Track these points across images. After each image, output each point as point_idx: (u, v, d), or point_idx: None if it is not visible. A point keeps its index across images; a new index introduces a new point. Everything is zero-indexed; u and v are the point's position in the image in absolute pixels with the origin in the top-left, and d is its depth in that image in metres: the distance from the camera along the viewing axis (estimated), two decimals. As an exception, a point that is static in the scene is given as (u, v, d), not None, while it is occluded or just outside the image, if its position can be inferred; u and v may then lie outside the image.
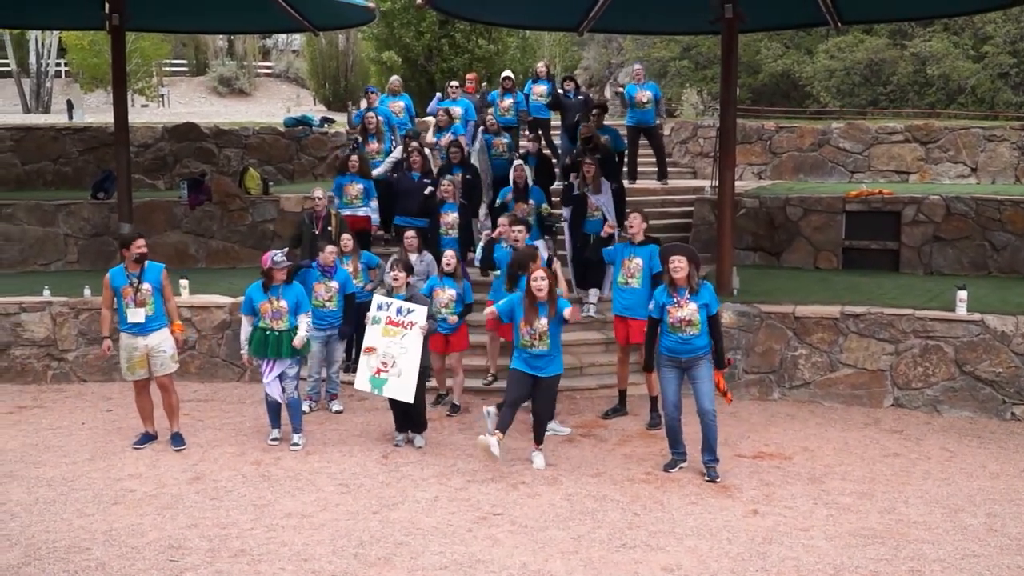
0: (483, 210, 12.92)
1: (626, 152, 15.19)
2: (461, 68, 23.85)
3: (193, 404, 10.56)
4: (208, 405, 10.57)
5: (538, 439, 8.61)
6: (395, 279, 9.20)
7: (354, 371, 10.69)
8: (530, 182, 12.00)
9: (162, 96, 36.62)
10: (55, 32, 32.58)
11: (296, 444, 9.05)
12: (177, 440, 9.10)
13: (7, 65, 36.30)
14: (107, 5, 12.39)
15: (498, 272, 10.30)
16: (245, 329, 9.11)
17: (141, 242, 8.89)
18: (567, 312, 8.26)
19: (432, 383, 10.21)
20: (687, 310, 8.01)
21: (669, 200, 15.51)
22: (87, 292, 11.67)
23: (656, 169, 16.33)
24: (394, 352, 8.87)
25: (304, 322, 9.06)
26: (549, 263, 9.15)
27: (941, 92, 21.15)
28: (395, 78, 15.61)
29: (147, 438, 9.15)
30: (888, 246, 13.62)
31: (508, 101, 15.18)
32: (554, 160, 14.60)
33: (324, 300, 9.97)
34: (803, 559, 6.64)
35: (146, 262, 8.87)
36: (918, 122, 17.48)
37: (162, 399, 9.12)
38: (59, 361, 11.61)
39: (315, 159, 17.94)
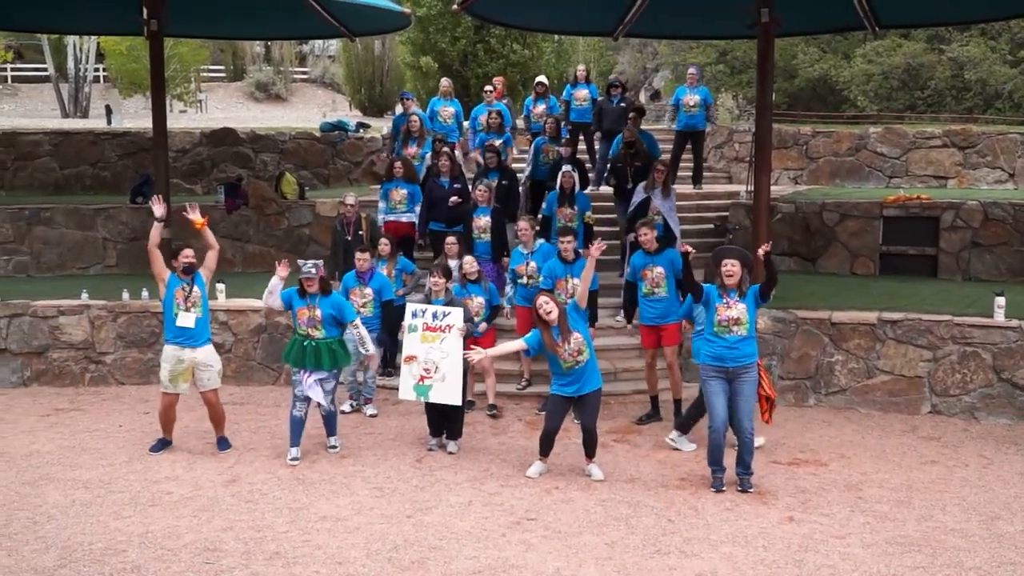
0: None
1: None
2: (496, 73, 23.88)
3: (229, 407, 10.60)
4: (244, 408, 10.65)
5: (590, 454, 8.51)
6: (435, 284, 9.23)
7: (388, 375, 10.79)
8: (577, 188, 11.93)
9: (200, 101, 37.01)
10: (93, 37, 32.97)
11: (334, 447, 9.09)
12: (223, 443, 9.20)
13: (45, 70, 36.83)
14: (146, 11, 12.52)
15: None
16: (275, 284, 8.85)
17: (189, 252, 8.97)
18: (589, 255, 8.25)
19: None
20: (736, 310, 7.95)
21: (704, 205, 15.45)
22: (125, 296, 11.81)
23: (691, 173, 16.25)
24: (435, 357, 8.88)
25: (358, 333, 8.97)
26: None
27: (979, 97, 20.91)
28: (446, 81, 15.37)
29: (163, 444, 9.19)
30: (926, 252, 13.47)
31: (541, 107, 15.13)
32: (588, 166, 14.54)
33: (358, 307, 9.98)
34: (839, 567, 6.59)
35: (195, 272, 8.98)
36: (956, 127, 17.28)
37: (208, 412, 9.20)
38: (97, 364, 11.75)
39: (351, 164, 18.02)
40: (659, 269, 9.64)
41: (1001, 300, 10.19)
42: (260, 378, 11.70)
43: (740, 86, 25.02)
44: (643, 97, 26.85)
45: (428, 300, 9.23)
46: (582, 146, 15.71)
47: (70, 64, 35.12)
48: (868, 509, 7.67)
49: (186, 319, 8.86)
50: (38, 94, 38.48)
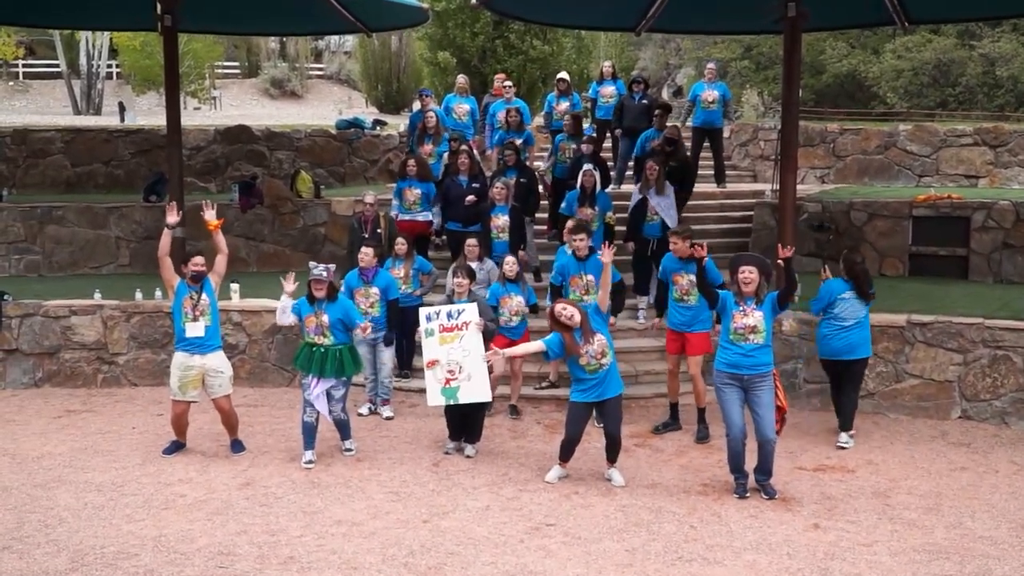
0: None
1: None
2: (516, 69, 23.91)
3: (243, 409, 10.67)
4: (258, 410, 10.71)
5: (612, 459, 8.51)
6: (459, 285, 9.26)
7: (404, 377, 10.82)
8: (599, 187, 11.91)
9: (214, 98, 37.18)
10: (106, 33, 33.17)
11: (349, 449, 9.13)
12: (237, 446, 9.25)
13: (58, 66, 37.09)
14: (159, 6, 12.59)
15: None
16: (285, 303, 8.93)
17: (199, 260, 8.99)
18: (604, 259, 8.27)
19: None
20: (753, 318, 7.94)
21: (728, 204, 15.42)
22: (138, 296, 11.89)
23: (712, 172, 16.23)
24: (457, 357, 8.90)
25: (360, 328, 9.06)
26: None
27: (1011, 94, 20.81)
28: (462, 78, 15.39)
29: (177, 446, 9.24)
30: (956, 252, 13.39)
31: (564, 104, 15.10)
32: (609, 164, 14.53)
33: (365, 308, 10.01)
34: (866, 575, 6.58)
35: (204, 279, 9.01)
36: (987, 125, 17.20)
37: (221, 419, 9.24)
38: (109, 365, 11.83)
39: (367, 162, 18.10)
40: (691, 277, 9.53)
41: (1034, 302, 10.13)
42: (274, 379, 11.76)
43: (765, 82, 24.97)
44: (666, 93, 26.86)
45: (450, 301, 9.26)
46: (608, 143, 15.71)
47: (82, 60, 35.32)
48: (896, 516, 7.64)
49: (195, 329, 8.89)
50: (50, 91, 38.73)
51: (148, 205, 14.98)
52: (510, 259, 10.15)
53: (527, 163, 13.18)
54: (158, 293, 11.91)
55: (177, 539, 7.12)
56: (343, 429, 9.16)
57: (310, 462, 8.83)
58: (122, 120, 27.99)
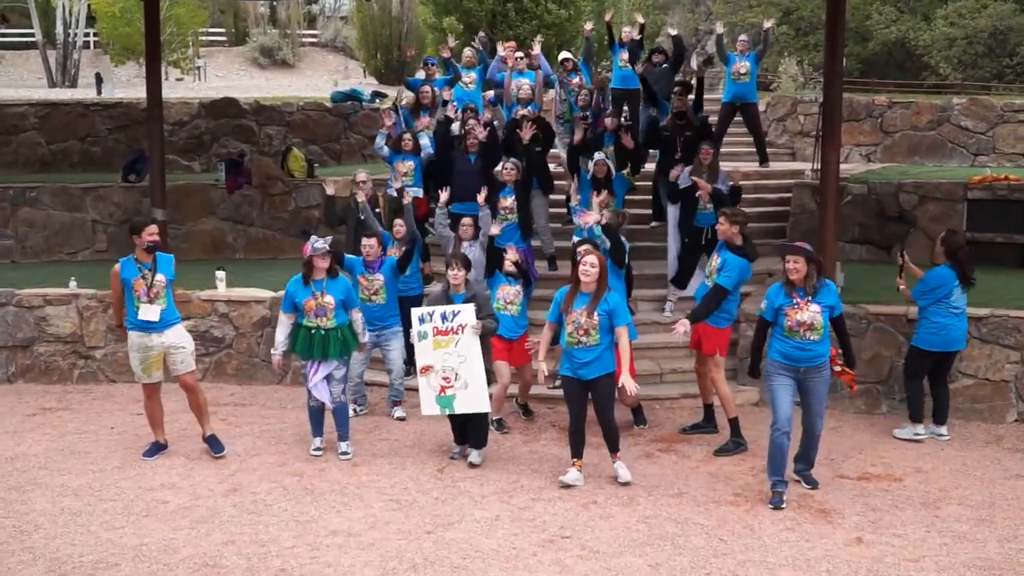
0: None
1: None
2: (528, 36, 23.86)
3: (230, 408, 10.77)
4: (246, 410, 10.76)
5: (613, 448, 8.59)
6: (454, 277, 9.24)
7: (408, 375, 10.85)
8: (613, 172, 11.96)
9: (198, 68, 37.28)
10: (84, -1, 33.35)
11: (345, 453, 9.18)
12: (215, 444, 9.26)
13: (32, 35, 37.23)
14: (140, -32, 12.64)
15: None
16: (282, 329, 9.13)
17: (153, 229, 8.96)
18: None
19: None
20: (808, 313, 7.96)
21: (763, 185, 15.39)
22: (116, 284, 11.94)
23: (751, 150, 16.19)
24: (452, 363, 8.91)
25: (358, 320, 9.17)
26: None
27: (1074, 65, 20.72)
28: (468, 49, 15.50)
29: (157, 448, 9.28)
30: (1015, 239, 13.35)
31: (577, 79, 15.10)
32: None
33: (369, 295, 10.08)
34: (913, 595, 6.58)
35: (156, 252, 8.97)
36: (1050, 98, 17.14)
37: (189, 401, 9.29)
38: (86, 359, 11.90)
39: (365, 138, 18.11)
40: (719, 257, 9.55)
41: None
42: (264, 376, 11.81)
43: (806, 50, 24.90)
44: (695, 62, 26.67)
45: (447, 296, 9.19)
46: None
47: (58, 29, 35.49)
48: (946, 529, 7.63)
49: (149, 312, 8.87)
50: (23, 61, 38.91)
51: (127, 185, 15.05)
52: (511, 255, 10.14)
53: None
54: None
55: (159, 549, 7.17)
56: (341, 420, 9.26)
57: (319, 449, 9.07)
58: (99, 93, 28.11)
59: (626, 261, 10.09)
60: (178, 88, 29.63)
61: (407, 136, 12.58)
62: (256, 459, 9.14)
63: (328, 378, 9.10)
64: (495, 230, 10.40)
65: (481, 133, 12.10)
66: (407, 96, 14.26)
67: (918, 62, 22.93)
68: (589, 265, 8.19)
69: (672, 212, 12.14)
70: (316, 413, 9.22)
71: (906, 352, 10.10)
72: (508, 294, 9.99)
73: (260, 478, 8.64)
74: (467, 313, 8.94)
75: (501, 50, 15.27)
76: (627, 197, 12.82)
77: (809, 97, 18.60)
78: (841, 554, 7.17)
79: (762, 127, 16.78)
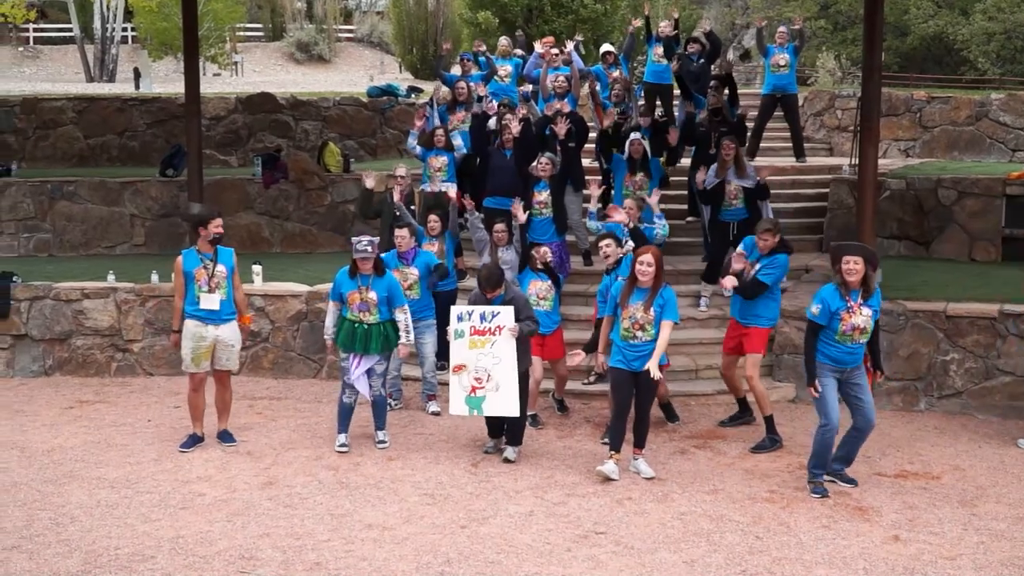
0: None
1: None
2: (565, 30, 23.82)
3: (266, 402, 10.82)
4: (282, 403, 10.80)
5: (640, 443, 8.60)
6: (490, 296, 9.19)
7: (443, 369, 10.85)
8: (649, 153, 11.98)
9: (235, 64, 37.47)
10: (122, -6, 33.59)
11: (383, 442, 9.26)
12: (227, 437, 9.37)
13: (70, 30, 37.56)
14: (178, -36, 12.71)
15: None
16: (330, 317, 9.26)
17: (219, 221, 9.16)
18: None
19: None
20: (861, 317, 7.93)
21: (800, 180, 15.27)
22: (155, 278, 12.03)
23: (789, 145, 16.09)
24: (486, 364, 8.87)
25: (402, 320, 9.18)
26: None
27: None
28: (504, 39, 15.48)
29: (194, 440, 9.34)
30: (1055, 236, 13.20)
31: (616, 72, 15.05)
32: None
33: (404, 289, 10.08)
34: (951, 594, 6.53)
35: (218, 245, 9.16)
36: (1091, 93, 16.90)
37: (217, 394, 9.39)
38: (124, 352, 11.99)
39: (400, 133, 18.09)
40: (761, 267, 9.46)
41: None
42: (300, 370, 11.85)
43: (844, 45, 24.70)
44: (731, 56, 26.57)
45: (485, 298, 9.12)
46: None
47: (96, 24, 35.76)
48: (983, 527, 7.56)
49: (210, 301, 9.04)
50: (62, 56, 39.27)
51: (165, 180, 15.15)
52: (544, 250, 10.15)
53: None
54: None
55: (195, 541, 7.21)
56: (380, 412, 9.31)
57: (344, 446, 9.07)
58: (137, 87, 28.33)
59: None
60: (215, 83, 29.81)
61: (439, 132, 12.61)
62: (291, 453, 9.18)
63: (368, 372, 9.14)
64: (522, 216, 10.45)
65: (516, 128, 12.07)
66: (443, 91, 14.26)
67: (956, 57, 22.71)
68: (646, 264, 8.23)
69: (705, 212, 12.13)
70: (347, 411, 9.22)
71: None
72: (540, 289, 9.96)
73: (296, 472, 8.68)
74: (506, 315, 8.89)
75: (539, 47, 15.25)
76: (665, 193, 12.74)
77: (847, 92, 18.44)
78: (878, 552, 7.11)
79: (800, 120, 16.65)
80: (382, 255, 10.00)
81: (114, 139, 17.59)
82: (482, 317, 8.91)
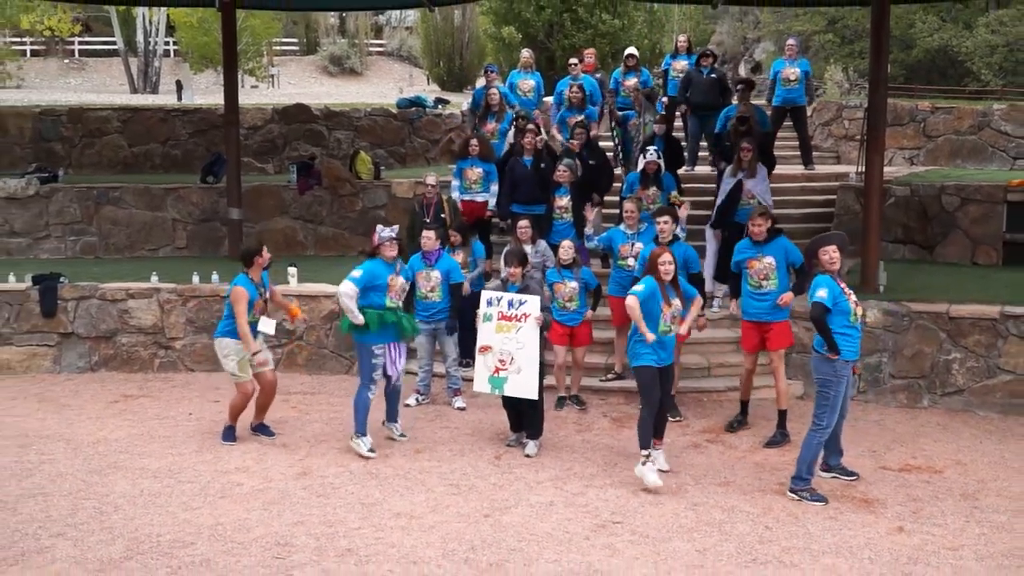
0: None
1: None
2: (584, 44, 23.81)
3: (300, 397, 10.87)
4: (315, 398, 10.86)
5: (661, 433, 8.58)
6: (511, 274, 9.29)
7: (466, 366, 10.90)
8: (663, 169, 11.89)
9: (272, 76, 37.63)
10: (163, 9, 33.72)
11: (404, 435, 9.33)
12: (265, 430, 9.46)
13: (114, 44, 37.80)
14: (217, -18, 12.80)
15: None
16: (353, 302, 8.82)
17: (266, 252, 9.23)
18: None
19: (550, 380, 10.17)
20: (855, 298, 7.96)
21: (809, 187, 15.22)
22: (195, 279, 12.11)
23: (799, 154, 16.03)
24: (510, 348, 8.95)
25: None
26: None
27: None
28: (526, 52, 15.40)
29: (233, 432, 9.39)
30: (1055, 240, 13.10)
31: (632, 80, 15.01)
32: (683, 143, 14.42)
33: (426, 291, 10.10)
34: (953, 583, 6.50)
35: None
36: (1090, 103, 16.76)
37: (265, 394, 9.39)
38: (166, 349, 12.07)
39: (428, 142, 18.18)
40: (768, 259, 9.35)
41: None
42: (332, 367, 11.90)
43: (851, 57, 24.60)
44: (743, 70, 26.55)
45: (504, 287, 9.30)
46: (678, 123, 15.59)
47: (139, 38, 35.96)
48: (984, 519, 7.52)
49: (268, 325, 9.17)
50: (106, 68, 39.54)
51: (205, 186, 15.24)
52: (566, 243, 10.15)
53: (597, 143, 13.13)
54: (215, 277, 12.11)
55: (234, 528, 7.26)
56: (394, 402, 9.34)
57: (373, 450, 8.91)
58: (179, 99, 28.51)
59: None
60: (253, 95, 29.92)
61: (473, 142, 12.52)
62: (324, 445, 9.22)
63: (397, 360, 9.16)
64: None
65: (533, 139, 12.07)
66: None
67: (960, 68, 22.57)
68: (668, 263, 8.27)
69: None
70: (368, 407, 8.98)
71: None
72: (565, 292, 9.99)
73: (328, 463, 8.72)
74: (532, 304, 8.98)
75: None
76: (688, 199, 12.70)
77: (854, 102, 18.36)
78: (883, 542, 7.09)
79: (808, 130, 16.60)
80: (411, 258, 10.06)
81: (157, 147, 17.69)
82: (510, 304, 9.03)
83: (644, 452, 8.19)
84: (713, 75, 14.57)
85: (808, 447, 7.94)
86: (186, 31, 34.38)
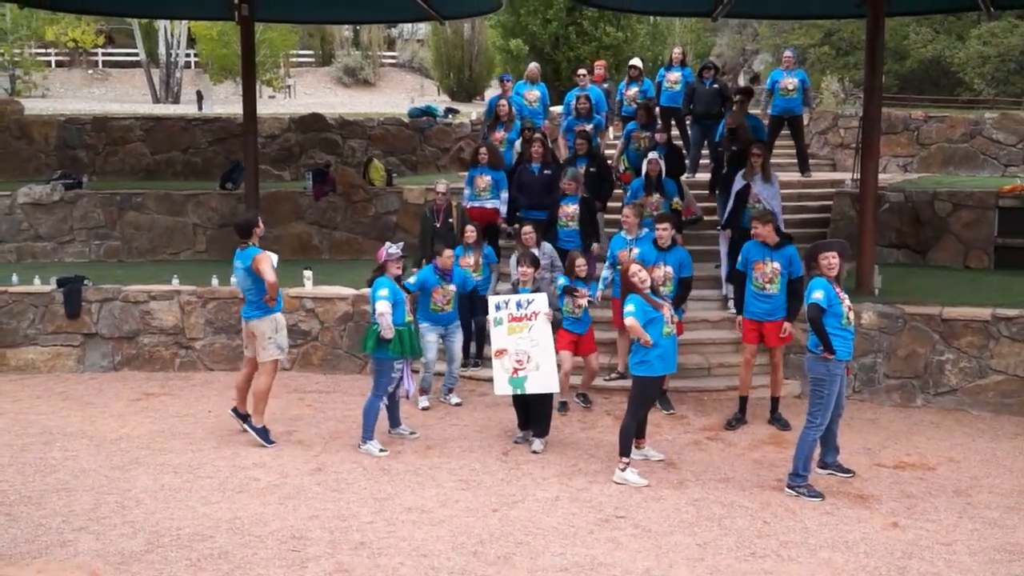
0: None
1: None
2: (588, 56, 23.82)
3: (315, 395, 10.87)
4: (329, 397, 10.85)
5: (643, 433, 8.66)
6: (523, 274, 9.28)
7: (474, 366, 10.88)
8: (664, 174, 11.86)
9: (289, 87, 37.67)
10: (184, 22, 33.80)
11: (414, 432, 9.38)
12: (264, 434, 9.30)
13: (136, 55, 37.89)
14: (236, -4, 12.80)
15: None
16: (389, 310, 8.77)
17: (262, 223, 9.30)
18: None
19: None
20: (847, 303, 7.92)
21: (806, 194, 15.19)
22: (215, 282, 12.11)
23: (796, 161, 16.01)
24: (525, 347, 8.92)
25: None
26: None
27: (1102, 82, 20.22)
28: (533, 65, 15.43)
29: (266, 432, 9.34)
30: (1044, 245, 13.05)
31: (634, 90, 15.03)
32: (684, 152, 14.41)
33: (442, 305, 10.08)
34: (944, 574, 6.45)
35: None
36: (1079, 112, 16.70)
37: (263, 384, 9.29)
38: (187, 349, 12.08)
39: (439, 150, 18.19)
40: (775, 265, 9.38)
41: None
42: (346, 367, 11.89)
43: (846, 69, 24.55)
44: (742, 80, 26.52)
45: (515, 290, 9.29)
46: (675, 131, 15.59)
47: (161, 49, 36.04)
48: (977, 515, 7.49)
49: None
50: (129, 79, 39.61)
51: (224, 192, 15.26)
52: (580, 261, 9.96)
53: (600, 151, 13.12)
54: (233, 280, 12.09)
55: (251, 522, 7.26)
56: (395, 411, 9.34)
57: (384, 450, 8.88)
58: (200, 108, 28.55)
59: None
60: (270, 105, 29.97)
61: (482, 150, 12.51)
62: (338, 441, 9.22)
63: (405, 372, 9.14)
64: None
65: (540, 147, 12.08)
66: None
67: (953, 79, 22.51)
68: (638, 273, 8.15)
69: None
70: (377, 414, 9.01)
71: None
72: (577, 297, 9.95)
73: (342, 459, 8.71)
74: (540, 301, 8.99)
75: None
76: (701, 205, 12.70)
77: (849, 112, 18.33)
78: (878, 537, 7.06)
79: (805, 139, 16.57)
80: (421, 275, 10.00)
81: (178, 155, 17.72)
82: (518, 305, 9.03)
83: (624, 460, 8.20)
84: (715, 86, 14.59)
85: (803, 444, 7.92)
86: (206, 43, 34.44)
